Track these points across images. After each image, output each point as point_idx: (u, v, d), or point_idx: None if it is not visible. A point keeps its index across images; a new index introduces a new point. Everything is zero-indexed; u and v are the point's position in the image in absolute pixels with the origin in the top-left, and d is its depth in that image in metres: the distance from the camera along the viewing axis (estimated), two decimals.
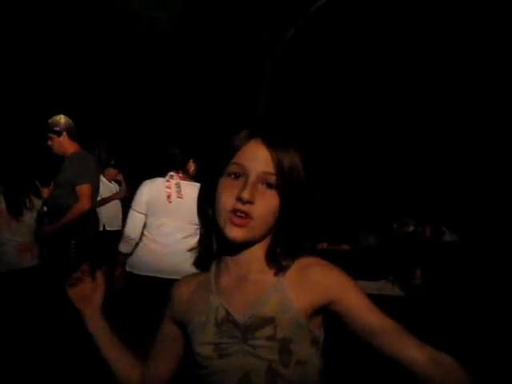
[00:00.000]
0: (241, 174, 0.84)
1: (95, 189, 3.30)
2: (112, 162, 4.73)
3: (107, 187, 4.71)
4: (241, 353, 0.84)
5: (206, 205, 0.89)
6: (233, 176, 0.84)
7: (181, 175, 2.65)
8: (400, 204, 5.12)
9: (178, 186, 2.58)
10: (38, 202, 3.04)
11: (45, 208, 3.23)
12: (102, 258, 3.72)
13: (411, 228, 6.04)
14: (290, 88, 6.56)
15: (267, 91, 6.43)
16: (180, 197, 2.57)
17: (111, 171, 4.83)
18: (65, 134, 3.23)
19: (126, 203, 4.99)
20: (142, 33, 5.62)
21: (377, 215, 5.71)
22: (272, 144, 0.84)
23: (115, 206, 4.79)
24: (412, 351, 0.81)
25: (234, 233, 0.83)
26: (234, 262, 0.90)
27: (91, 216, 3.30)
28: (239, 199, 0.82)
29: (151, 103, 6.54)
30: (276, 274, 0.87)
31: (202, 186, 0.94)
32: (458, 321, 3.71)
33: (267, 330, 0.83)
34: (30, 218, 2.99)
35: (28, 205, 2.95)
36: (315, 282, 0.86)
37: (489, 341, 3.36)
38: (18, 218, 2.91)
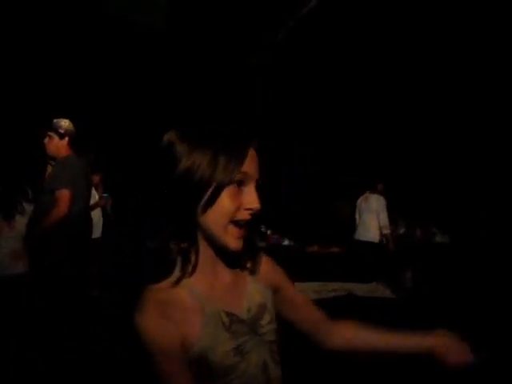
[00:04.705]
0: (243, 182, 0.82)
1: (80, 195, 3.27)
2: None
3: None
4: (256, 345, 0.87)
5: (197, 213, 0.82)
6: (236, 184, 0.81)
7: None
8: (391, 206, 5.14)
9: None
10: (29, 208, 3.04)
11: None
12: (90, 263, 3.73)
13: (402, 230, 6.08)
14: (285, 87, 6.57)
15: (262, 90, 6.47)
16: None
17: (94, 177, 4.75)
18: (67, 138, 3.27)
19: (106, 211, 4.95)
20: (134, 33, 5.60)
21: None
22: (258, 150, 0.85)
23: (98, 214, 4.76)
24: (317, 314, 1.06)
25: (236, 244, 0.83)
26: (213, 267, 0.88)
27: (76, 222, 3.25)
28: (248, 209, 0.82)
29: (144, 104, 6.52)
30: (250, 272, 0.94)
31: (193, 192, 0.82)
32: (448, 322, 3.73)
33: (266, 316, 0.90)
34: (21, 224, 2.98)
35: (20, 210, 2.95)
36: (274, 270, 0.98)
37: (481, 341, 3.38)
38: (11, 224, 2.91)
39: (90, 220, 3.67)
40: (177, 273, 0.83)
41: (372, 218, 4.81)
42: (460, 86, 5.88)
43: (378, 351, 1.04)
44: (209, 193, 0.79)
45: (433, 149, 6.61)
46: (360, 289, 3.73)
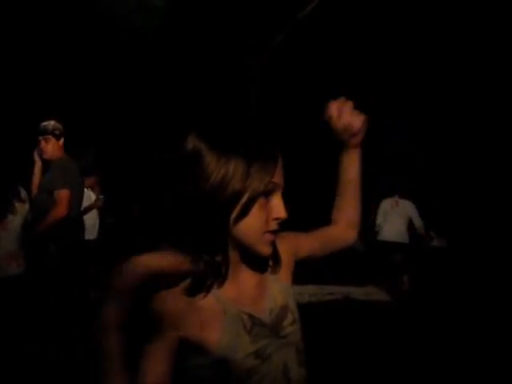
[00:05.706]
0: (271, 191, 0.82)
1: (76, 196, 3.28)
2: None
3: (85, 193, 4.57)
4: (277, 348, 0.87)
5: (229, 224, 0.81)
6: (264, 195, 0.81)
7: None
8: None
9: None
10: (21, 208, 2.99)
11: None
12: (87, 264, 3.70)
13: None
14: (280, 89, 6.58)
15: (257, 92, 6.48)
16: None
17: (91, 179, 4.70)
18: (62, 139, 3.32)
19: (102, 213, 4.92)
20: (130, 34, 5.59)
21: (364, 220, 5.74)
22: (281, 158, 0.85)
23: (94, 215, 4.71)
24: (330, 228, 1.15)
25: (269, 250, 0.85)
26: (238, 272, 0.88)
27: (72, 222, 3.26)
28: (277, 219, 0.83)
29: (140, 107, 6.51)
30: (272, 271, 0.93)
31: (227, 205, 0.80)
32: (444, 325, 3.73)
33: (289, 317, 0.90)
34: (14, 224, 2.93)
35: (12, 210, 2.91)
36: (287, 248, 0.97)
37: (476, 344, 3.38)
38: (4, 224, 2.87)
39: (82, 221, 3.68)
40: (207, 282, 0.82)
41: (404, 222, 5.08)
42: (453, 90, 5.91)
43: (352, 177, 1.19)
44: (241, 204, 0.78)
45: (428, 153, 6.62)
46: (356, 292, 3.73)
